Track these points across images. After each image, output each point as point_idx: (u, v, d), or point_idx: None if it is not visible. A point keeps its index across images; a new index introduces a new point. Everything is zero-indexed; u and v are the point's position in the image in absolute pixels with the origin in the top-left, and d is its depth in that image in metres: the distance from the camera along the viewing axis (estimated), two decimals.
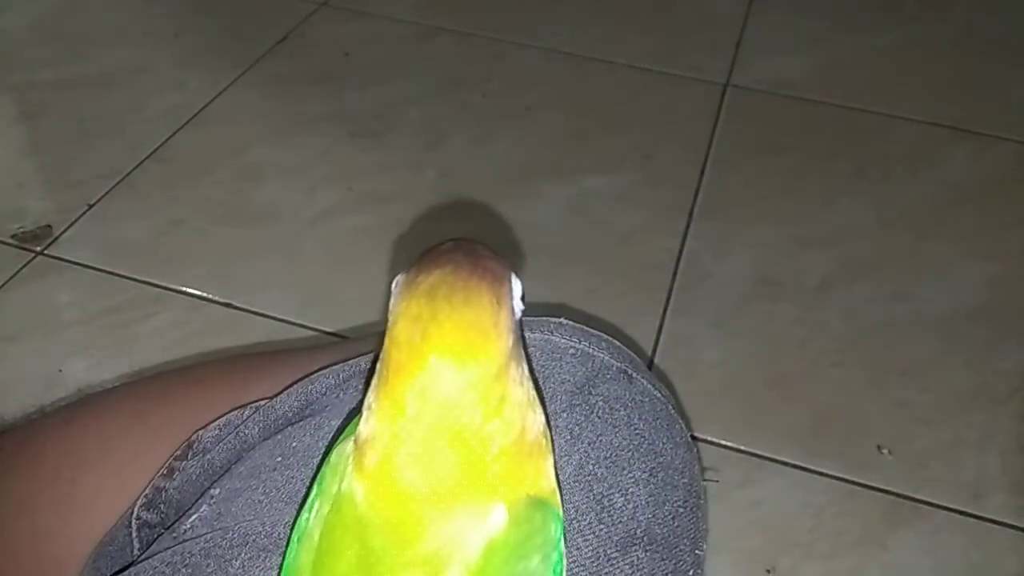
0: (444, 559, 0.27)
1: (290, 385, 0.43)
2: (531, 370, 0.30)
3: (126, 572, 0.38)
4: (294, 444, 0.38)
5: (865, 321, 0.91)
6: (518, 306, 0.29)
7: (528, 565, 0.28)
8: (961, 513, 0.76)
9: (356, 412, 0.31)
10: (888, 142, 1.14)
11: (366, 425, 0.28)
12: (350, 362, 0.42)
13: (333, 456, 0.30)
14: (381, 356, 0.28)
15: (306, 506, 0.31)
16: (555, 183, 1.05)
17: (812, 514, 0.75)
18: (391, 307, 0.28)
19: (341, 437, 0.31)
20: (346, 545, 0.28)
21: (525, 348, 0.30)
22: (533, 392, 0.29)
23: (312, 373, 0.43)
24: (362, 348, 0.43)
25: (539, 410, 0.29)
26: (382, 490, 0.28)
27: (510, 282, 0.28)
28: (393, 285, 0.28)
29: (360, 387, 0.40)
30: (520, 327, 0.29)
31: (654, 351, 0.87)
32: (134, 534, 0.42)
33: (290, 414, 0.42)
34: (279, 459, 0.38)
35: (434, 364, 0.26)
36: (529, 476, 0.28)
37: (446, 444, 0.26)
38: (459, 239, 0.29)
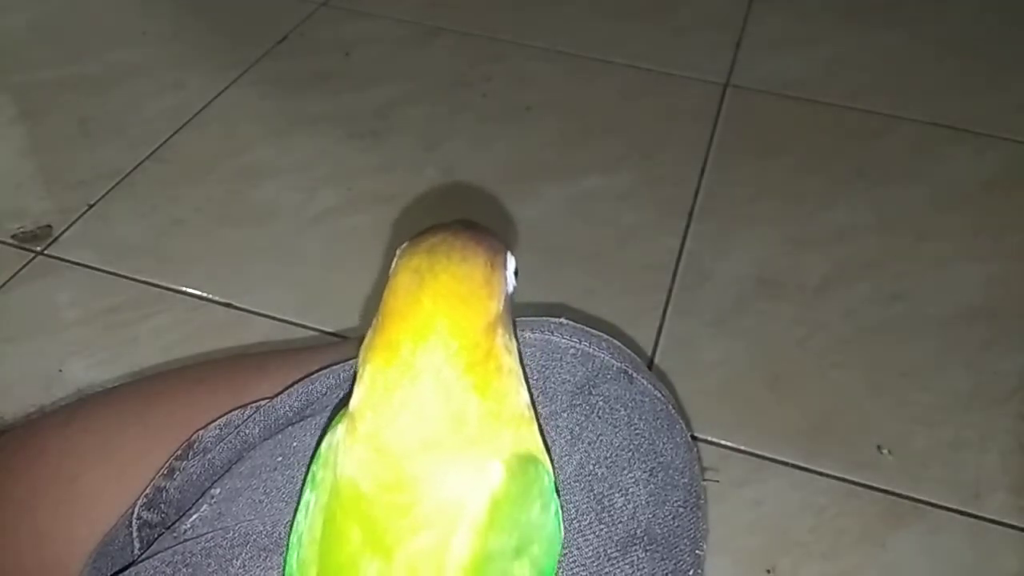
0: (450, 519, 0.28)
1: (291, 385, 0.43)
2: (521, 358, 0.31)
3: (127, 572, 0.38)
4: (295, 444, 0.39)
5: (865, 321, 0.91)
6: (511, 279, 0.30)
7: (531, 516, 0.29)
8: (961, 513, 0.76)
9: (340, 408, 0.31)
10: (888, 142, 1.14)
11: (359, 386, 0.28)
12: (350, 362, 0.42)
13: (321, 450, 0.30)
14: (377, 312, 0.28)
15: (299, 508, 0.31)
16: (555, 183, 1.05)
17: (812, 514, 0.75)
18: (392, 267, 0.29)
19: (327, 433, 0.31)
20: (349, 527, 0.28)
21: (515, 328, 0.31)
22: (519, 369, 0.30)
23: (313, 373, 0.43)
24: None
25: (524, 387, 0.30)
26: (377, 446, 0.28)
27: (505, 255, 0.30)
28: (397, 252, 0.30)
29: None
30: (512, 303, 0.30)
31: (654, 351, 0.87)
32: (135, 534, 0.42)
33: (291, 414, 0.42)
34: (280, 459, 0.38)
35: (428, 307, 0.27)
36: (517, 438, 0.29)
37: (436, 388, 0.27)
38: (460, 219, 0.31)
